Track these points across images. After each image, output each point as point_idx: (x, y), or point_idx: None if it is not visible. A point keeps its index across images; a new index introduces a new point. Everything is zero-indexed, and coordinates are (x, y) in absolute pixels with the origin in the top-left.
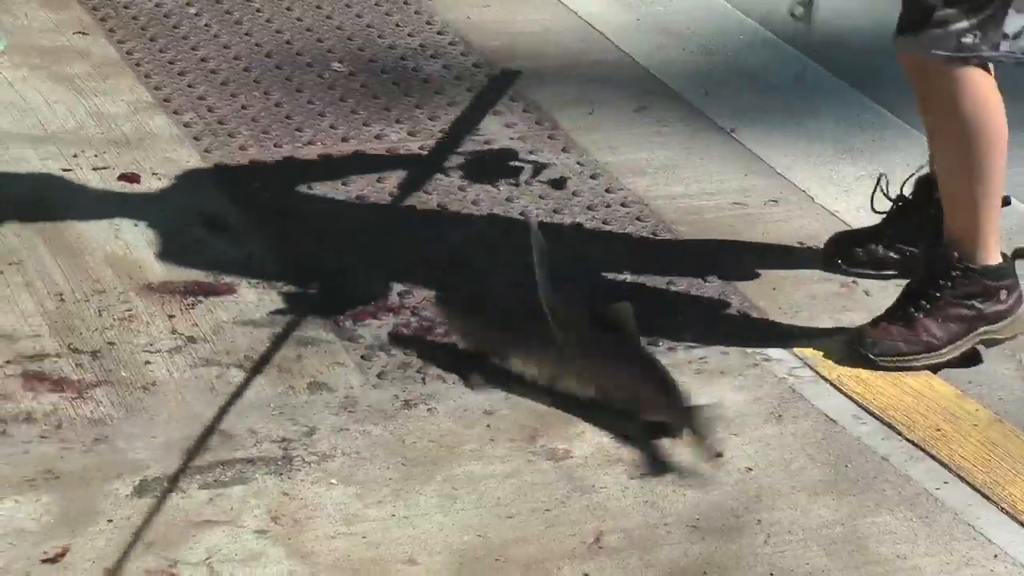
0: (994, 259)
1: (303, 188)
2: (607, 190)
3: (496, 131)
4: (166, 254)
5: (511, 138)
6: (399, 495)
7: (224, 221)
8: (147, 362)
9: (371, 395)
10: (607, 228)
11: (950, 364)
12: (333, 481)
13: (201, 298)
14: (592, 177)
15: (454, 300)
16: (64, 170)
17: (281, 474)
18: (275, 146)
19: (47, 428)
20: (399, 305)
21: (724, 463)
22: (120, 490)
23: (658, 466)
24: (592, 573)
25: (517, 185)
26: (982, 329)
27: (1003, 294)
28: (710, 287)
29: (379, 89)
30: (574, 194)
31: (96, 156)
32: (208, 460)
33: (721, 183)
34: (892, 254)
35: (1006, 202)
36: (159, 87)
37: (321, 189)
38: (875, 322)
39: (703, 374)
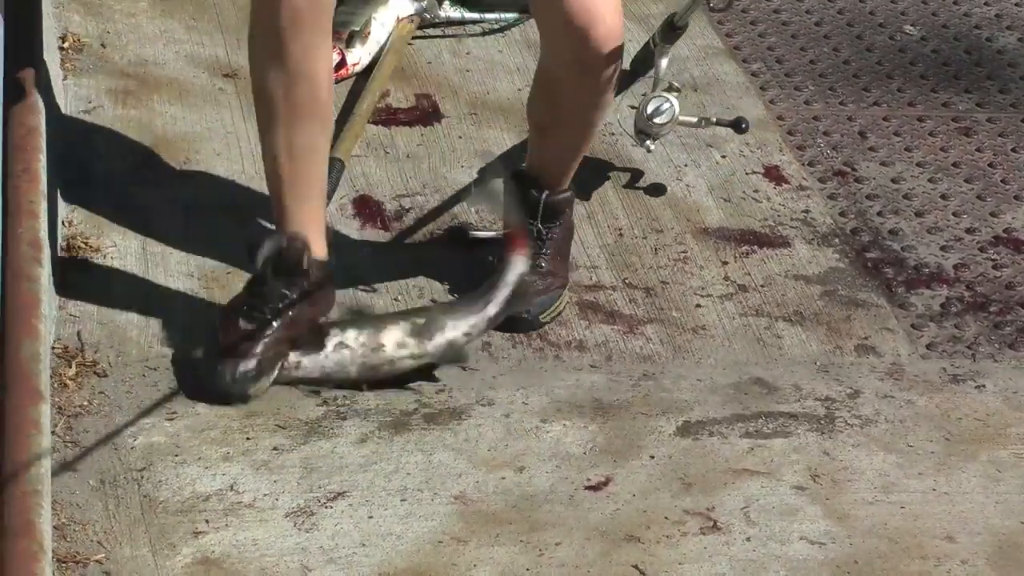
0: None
1: (864, 149)
2: None
3: None
4: (724, 200)
5: None
6: (940, 469)
7: (783, 174)
8: (698, 305)
9: (918, 365)
10: None
11: None
12: (874, 447)
13: (755, 248)
14: None
15: None
16: (630, 107)
17: (823, 432)
18: (840, 104)
19: (597, 359)
20: (953, 278)
21: None
22: (663, 428)
23: None
24: None
25: None
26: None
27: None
28: None
29: (950, 56)
30: None
31: None
32: (751, 410)
33: None
34: None
35: None
36: (730, 34)
37: (882, 153)
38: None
39: None
